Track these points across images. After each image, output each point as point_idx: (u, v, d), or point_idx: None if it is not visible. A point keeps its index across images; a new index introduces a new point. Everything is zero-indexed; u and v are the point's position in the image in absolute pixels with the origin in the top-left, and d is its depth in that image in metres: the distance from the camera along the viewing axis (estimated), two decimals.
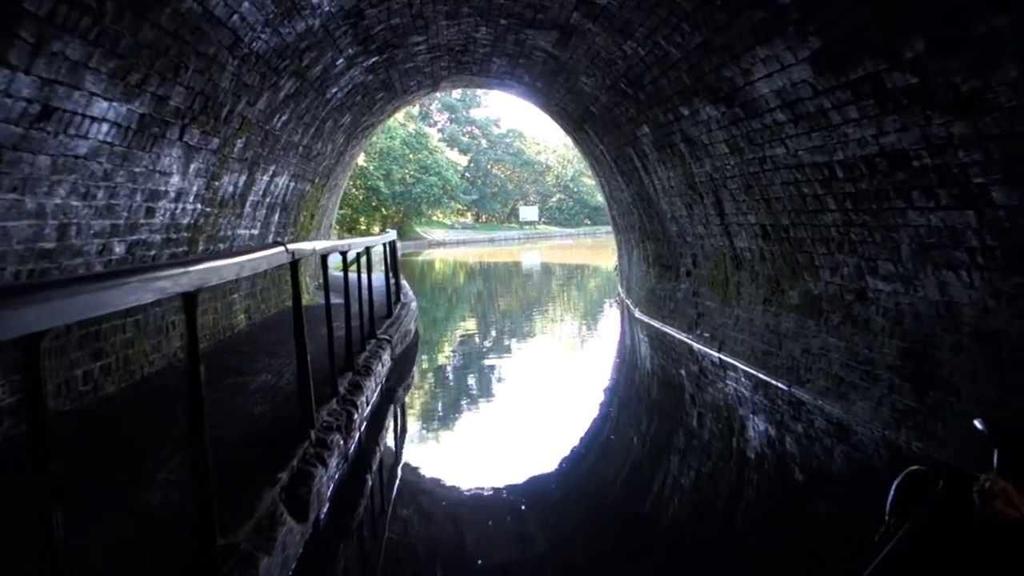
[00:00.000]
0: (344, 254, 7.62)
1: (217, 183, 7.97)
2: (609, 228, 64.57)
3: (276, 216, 11.09)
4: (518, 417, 8.68)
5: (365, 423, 7.20)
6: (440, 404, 9.57)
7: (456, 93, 75.04)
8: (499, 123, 78.69)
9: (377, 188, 52.90)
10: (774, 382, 8.65)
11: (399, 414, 8.91)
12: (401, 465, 6.95)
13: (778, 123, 7.07)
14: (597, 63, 10.45)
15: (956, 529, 2.77)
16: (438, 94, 71.49)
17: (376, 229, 55.75)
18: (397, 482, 6.42)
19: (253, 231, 10.05)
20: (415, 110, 68.09)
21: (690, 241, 11.44)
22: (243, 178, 8.79)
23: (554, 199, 79.87)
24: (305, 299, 12.26)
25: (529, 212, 75.65)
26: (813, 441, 7.07)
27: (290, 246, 4.69)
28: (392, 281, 13.94)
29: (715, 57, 7.56)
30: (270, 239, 11.13)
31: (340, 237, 42.01)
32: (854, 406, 7.02)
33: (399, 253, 43.14)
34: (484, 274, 33.51)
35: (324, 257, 7.95)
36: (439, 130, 66.33)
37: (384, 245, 12.03)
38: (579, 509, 5.81)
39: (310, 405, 5.07)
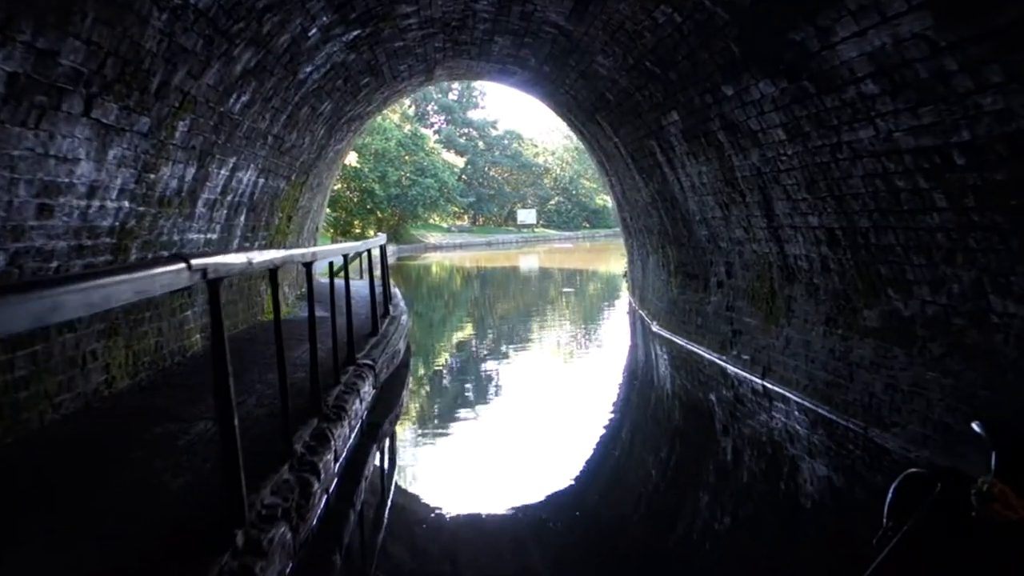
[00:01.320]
0: (308, 265, 5.99)
1: (153, 175, 6.36)
2: (608, 232, 63.19)
3: (241, 218, 9.48)
4: (525, 456, 7.11)
5: (335, 482, 5.60)
6: (433, 441, 7.97)
7: (453, 95, 73.82)
8: (496, 125, 77.35)
9: (372, 190, 51.44)
10: (842, 421, 7.06)
11: (383, 457, 7.31)
12: (383, 533, 5.37)
13: (866, 97, 5.49)
14: (619, 37, 8.86)
15: (954, 531, 2.67)
16: (433, 89, 70.09)
17: (371, 232, 54.14)
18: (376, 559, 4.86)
19: (210, 235, 8.44)
20: (411, 111, 66.65)
21: (724, 247, 9.85)
22: (191, 171, 7.19)
23: (553, 202, 78.46)
24: (283, 311, 10.71)
25: (527, 215, 74.26)
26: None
27: (199, 261, 3.10)
28: (381, 290, 12.37)
29: (777, 17, 5.99)
30: (234, 245, 9.52)
31: (333, 241, 40.41)
32: (963, 461, 5.42)
33: (394, 257, 41.59)
34: (482, 280, 31.91)
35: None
36: (435, 131, 64.84)
37: (368, 252, 10.42)
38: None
39: (238, 490, 3.46)
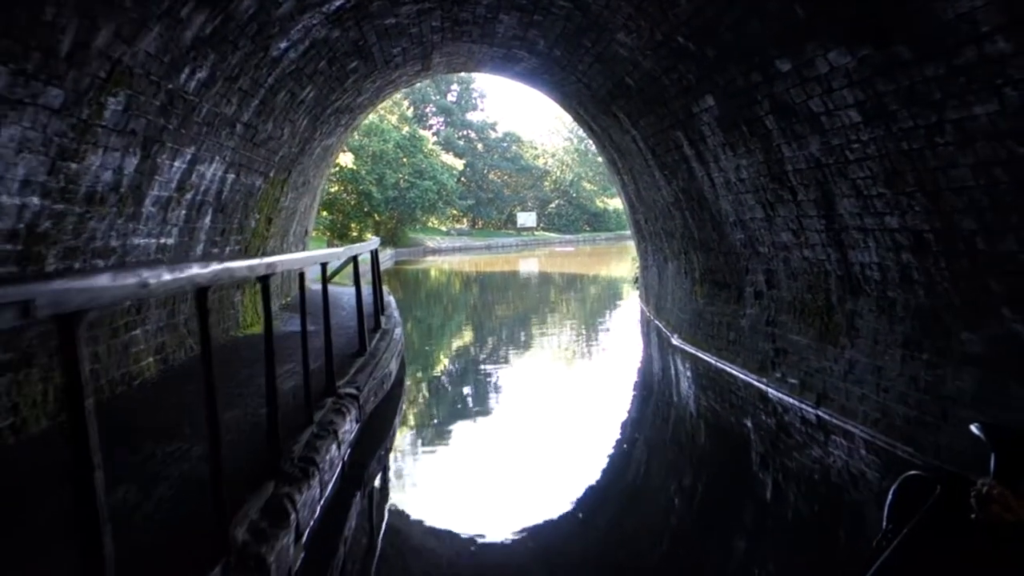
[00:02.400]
0: (264, 279, 4.67)
1: (75, 165, 5.05)
2: (609, 235, 62.08)
3: (206, 219, 8.17)
4: (536, 506, 5.79)
5: (300, 563, 4.27)
6: (428, 483, 6.67)
7: (452, 96, 72.59)
8: (496, 127, 76.21)
9: (369, 193, 50.15)
10: (932, 466, 5.75)
11: (367, 509, 6.01)
12: None
13: (991, 60, 4.20)
14: (646, 8, 7.57)
15: (954, 533, 2.64)
16: (431, 90, 68.82)
17: (369, 236, 52.89)
18: None
19: (164, 239, 7.13)
20: (409, 112, 65.39)
21: (764, 252, 8.54)
22: (133, 161, 5.88)
23: (553, 205, 77.32)
24: (260, 327, 9.41)
25: (527, 218, 73.14)
26: None
27: (27, 288, 1.79)
28: (373, 300, 11.07)
29: None
30: (198, 251, 8.21)
31: (330, 245, 39.01)
32: None
33: (391, 261, 40.32)
34: (483, 285, 30.60)
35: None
36: (434, 133, 63.56)
37: (355, 259, 9.12)
38: None
39: None
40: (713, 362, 10.39)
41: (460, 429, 8.51)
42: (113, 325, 6.46)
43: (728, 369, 9.84)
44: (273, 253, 12.06)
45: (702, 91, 8.02)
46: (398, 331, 11.27)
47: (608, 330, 16.42)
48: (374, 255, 14.46)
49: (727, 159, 8.36)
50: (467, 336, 16.01)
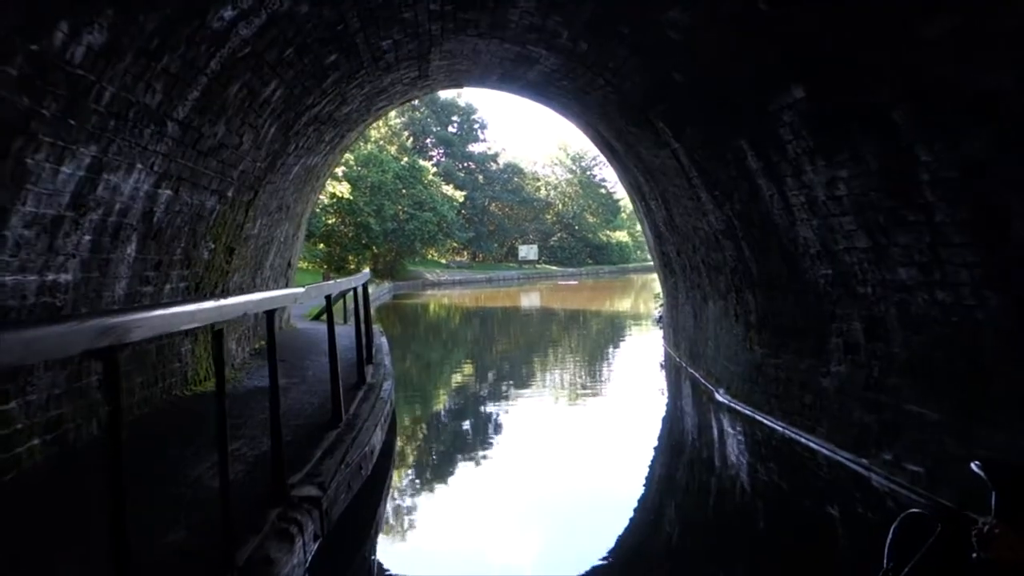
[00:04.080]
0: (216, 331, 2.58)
1: None
2: (612, 268, 60.44)
3: (129, 249, 6.15)
4: None
5: None
6: None
7: (452, 127, 71.20)
8: (497, 158, 74.85)
9: (368, 225, 48.47)
10: None
11: None
12: None
13: None
14: None
15: (955, 572, 2.58)
16: (431, 120, 67.33)
17: (367, 269, 50.91)
18: None
19: (55, 276, 5.10)
20: (409, 142, 63.89)
21: (865, 293, 6.51)
22: None
23: (555, 237, 75.65)
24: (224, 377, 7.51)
25: (528, 251, 71.42)
26: None
27: None
28: (358, 346, 9.03)
29: None
30: (119, 291, 6.18)
31: (326, 278, 37.00)
32: None
33: (389, 295, 38.33)
34: (486, 323, 28.49)
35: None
36: (434, 165, 62.04)
37: (328, 299, 7.07)
38: None
39: None
40: (778, 428, 8.31)
41: (462, 535, 6.40)
42: None
43: (802, 440, 7.76)
44: (239, 291, 10.04)
45: (787, 79, 6.06)
46: (388, 386, 9.20)
47: (632, 380, 14.26)
48: (363, 292, 12.47)
49: (816, 171, 6.37)
50: (470, 390, 13.85)
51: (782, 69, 6.06)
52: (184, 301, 5.28)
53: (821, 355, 7.42)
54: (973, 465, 2.68)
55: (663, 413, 11.17)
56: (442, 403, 12.26)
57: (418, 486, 7.79)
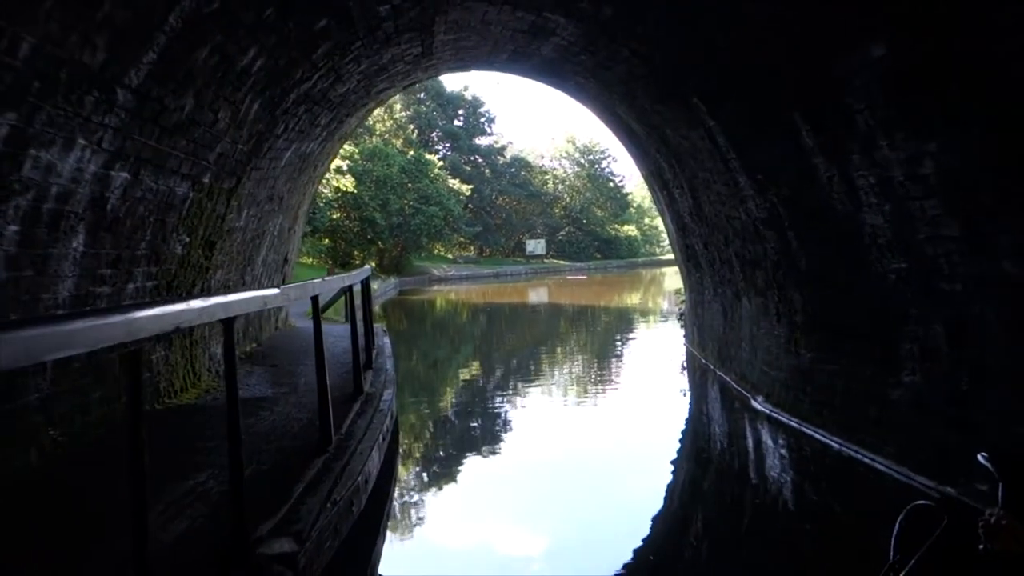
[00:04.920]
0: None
1: None
2: (621, 263, 59.54)
3: (75, 242, 5.16)
4: None
5: None
6: None
7: (458, 121, 70.04)
8: (504, 152, 73.77)
9: (373, 219, 47.62)
10: None
11: None
12: None
13: None
14: None
15: (961, 564, 2.57)
16: (437, 114, 66.18)
17: (373, 264, 50.05)
18: None
19: None
20: (414, 135, 62.82)
21: (951, 291, 5.46)
22: None
23: (562, 232, 74.56)
24: (199, 389, 6.66)
25: (536, 245, 70.42)
26: None
27: None
28: (354, 354, 8.04)
29: None
30: (64, 292, 5.18)
31: (330, 274, 35.91)
32: None
33: (395, 291, 37.33)
34: (496, 320, 27.45)
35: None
36: (440, 159, 61.02)
37: (315, 301, 6.04)
38: None
39: None
40: (833, 444, 7.28)
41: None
42: None
43: (865, 459, 6.73)
44: (224, 289, 9.05)
45: (864, 35, 5.02)
46: (389, 396, 8.20)
47: (654, 384, 13.20)
48: (364, 288, 11.49)
49: (892, 146, 5.33)
50: (479, 398, 12.82)
51: (858, 23, 5.02)
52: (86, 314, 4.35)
53: (889, 362, 6.38)
54: (980, 456, 2.62)
55: (692, 422, 10.13)
56: (449, 413, 11.16)
57: (422, 521, 6.77)
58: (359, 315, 10.77)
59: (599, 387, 12.78)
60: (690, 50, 7.38)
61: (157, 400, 7.20)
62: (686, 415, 10.48)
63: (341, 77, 9.20)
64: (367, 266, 14.00)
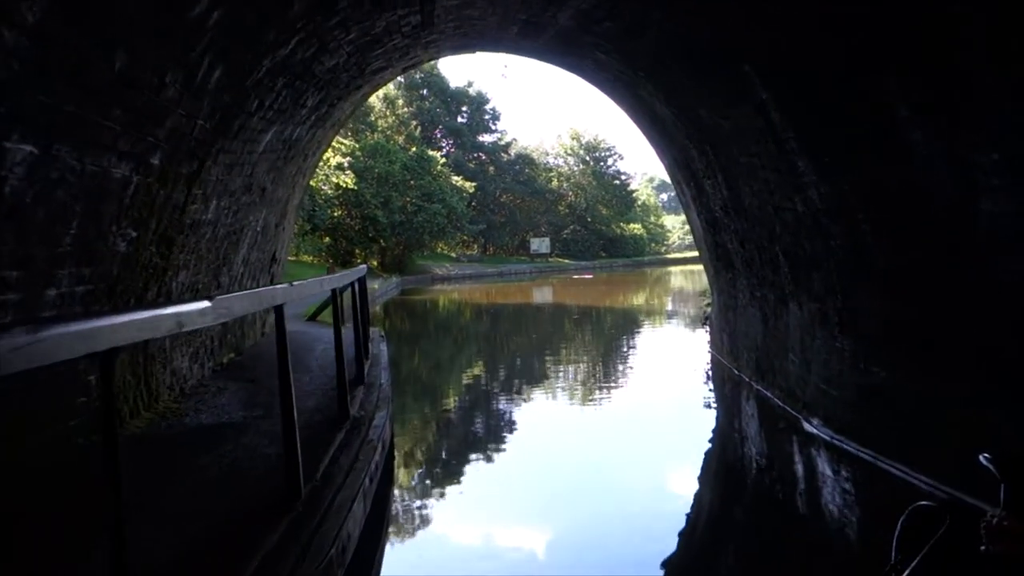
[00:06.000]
0: None
1: None
2: (627, 261, 58.11)
3: None
4: None
5: None
6: None
7: (462, 118, 68.69)
8: (508, 149, 72.45)
9: (375, 217, 46.41)
10: None
11: None
12: None
13: None
14: None
15: (963, 566, 2.57)
16: (440, 111, 64.76)
17: (375, 262, 48.81)
18: None
19: None
20: (417, 131, 61.48)
21: None
22: None
23: (567, 230, 73.16)
24: (152, 415, 5.30)
25: (540, 244, 69.14)
26: None
27: None
28: (338, 372, 6.76)
29: None
30: None
31: (330, 272, 34.54)
32: None
33: (397, 290, 35.94)
34: (502, 323, 26.11)
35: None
36: (444, 155, 59.74)
37: (279, 312, 4.69)
38: None
39: None
40: (923, 485, 5.95)
41: None
42: None
43: (968, 502, 5.40)
44: (189, 294, 7.76)
45: None
46: (382, 420, 6.90)
47: (679, 398, 11.85)
48: (359, 290, 10.21)
49: None
50: (486, 416, 11.44)
51: None
52: None
53: (1014, 387, 5.06)
54: (982, 457, 2.56)
55: (724, 443, 8.84)
56: (455, 440, 9.53)
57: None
58: (359, 319, 9.51)
59: (615, 401, 11.46)
60: (743, 4, 6.06)
61: (94, 432, 5.89)
62: (717, 434, 9.19)
63: (327, 46, 7.90)
64: (363, 266, 12.71)
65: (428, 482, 7.61)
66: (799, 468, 7.44)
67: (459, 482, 7.64)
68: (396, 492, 7.05)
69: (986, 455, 2.57)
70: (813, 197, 6.96)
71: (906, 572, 2.69)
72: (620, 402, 11.33)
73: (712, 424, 9.79)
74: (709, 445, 8.69)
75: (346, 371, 6.73)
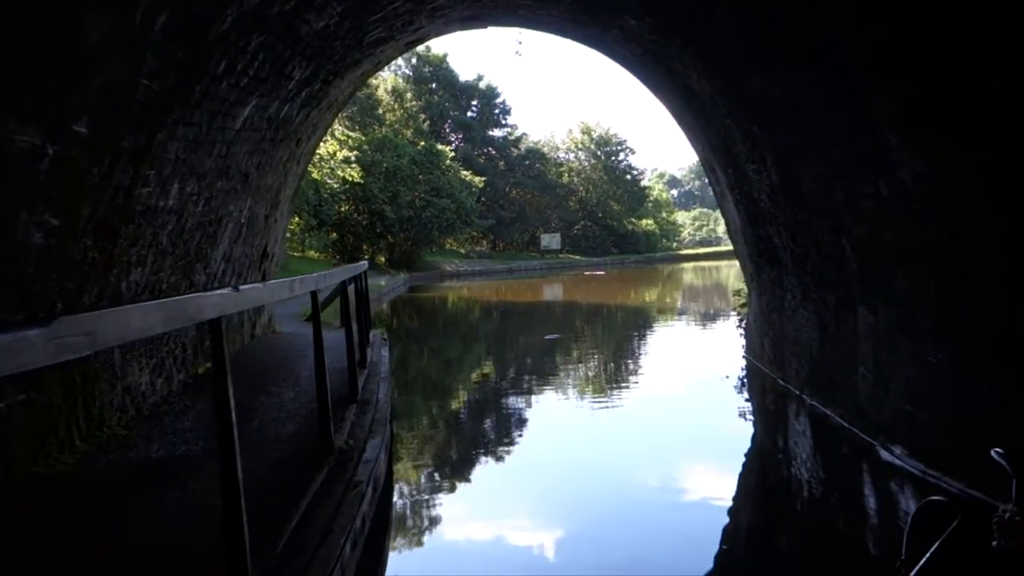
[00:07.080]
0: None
1: None
2: (638, 258, 56.67)
3: None
4: None
5: None
6: None
7: (471, 112, 67.39)
8: (519, 143, 71.11)
9: (382, 212, 45.29)
10: None
11: None
12: None
13: None
14: None
15: (975, 561, 2.49)
16: (449, 105, 63.41)
17: (382, 258, 47.66)
18: None
19: None
20: (425, 125, 60.20)
21: None
22: None
23: (578, 226, 71.75)
24: (88, 446, 3.98)
25: (551, 240, 67.79)
26: None
27: None
28: (318, 398, 5.49)
29: None
30: None
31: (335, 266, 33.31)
32: None
33: (405, 287, 34.69)
34: (514, 322, 24.80)
35: None
36: (453, 149, 58.50)
37: (217, 328, 3.41)
38: None
39: None
40: None
41: None
42: None
43: None
44: (151, 297, 6.50)
45: None
46: (375, 450, 5.63)
47: (716, 413, 10.46)
48: (359, 288, 8.98)
49: None
50: (501, 435, 10.08)
51: None
52: None
53: None
54: (994, 452, 2.51)
55: (769, 464, 7.56)
56: (462, 475, 7.84)
57: None
58: (351, 323, 8.25)
59: (640, 415, 10.14)
60: None
61: (13, 468, 4.64)
62: (756, 452, 7.95)
63: (312, 2, 6.62)
64: (363, 262, 11.45)
65: (436, 531, 6.18)
66: (877, 505, 6.15)
67: (478, 531, 6.32)
68: (393, 550, 5.67)
69: (998, 450, 2.55)
70: (906, 178, 5.63)
71: (917, 567, 2.65)
72: (646, 415, 10.01)
73: (748, 441, 8.52)
74: (745, 462, 7.49)
75: (330, 393, 5.42)
